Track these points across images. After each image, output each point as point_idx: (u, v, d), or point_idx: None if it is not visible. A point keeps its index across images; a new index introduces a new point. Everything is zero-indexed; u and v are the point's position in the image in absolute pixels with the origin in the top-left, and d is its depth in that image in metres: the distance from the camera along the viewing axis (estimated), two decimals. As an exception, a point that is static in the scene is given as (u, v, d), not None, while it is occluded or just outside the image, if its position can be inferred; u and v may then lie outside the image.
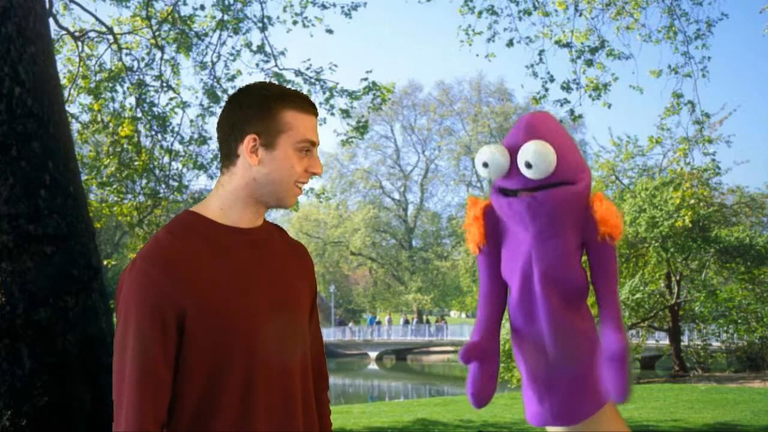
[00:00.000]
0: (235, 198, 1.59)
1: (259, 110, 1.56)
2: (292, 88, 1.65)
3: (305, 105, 1.60)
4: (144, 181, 10.78)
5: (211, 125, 10.90)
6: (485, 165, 2.12)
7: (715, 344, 19.96)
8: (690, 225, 16.19)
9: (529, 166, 2.04)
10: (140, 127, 10.36)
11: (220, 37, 10.26)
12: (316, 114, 1.62)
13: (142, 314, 1.47)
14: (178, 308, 1.48)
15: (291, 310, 1.63)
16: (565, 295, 2.13)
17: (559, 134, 2.13)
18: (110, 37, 10.18)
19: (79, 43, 10.14)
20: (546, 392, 2.18)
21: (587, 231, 2.09)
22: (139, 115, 10.33)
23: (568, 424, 2.18)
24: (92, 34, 10.42)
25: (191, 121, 10.76)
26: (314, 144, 1.60)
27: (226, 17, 10.11)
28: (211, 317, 1.50)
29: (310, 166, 1.60)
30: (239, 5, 10.24)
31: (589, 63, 9.77)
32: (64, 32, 10.11)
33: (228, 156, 1.59)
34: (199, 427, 1.50)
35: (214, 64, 10.34)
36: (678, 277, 19.16)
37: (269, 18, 10.20)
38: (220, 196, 1.60)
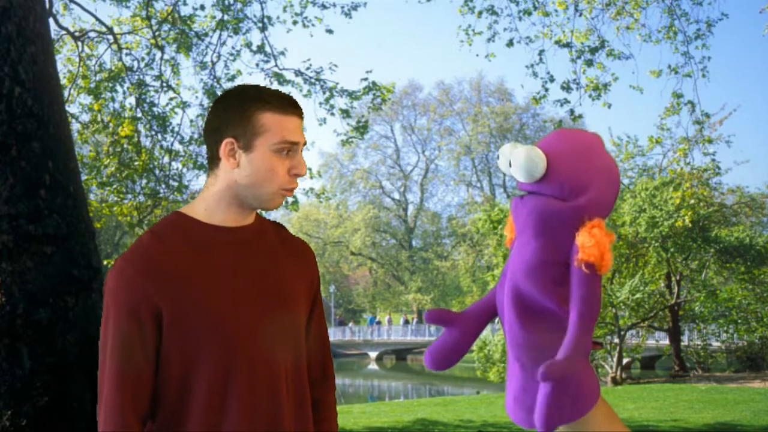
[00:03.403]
0: (218, 199, 1.60)
1: (236, 113, 1.56)
2: (273, 89, 1.62)
3: (284, 106, 1.58)
4: (144, 181, 10.78)
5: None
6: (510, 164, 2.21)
7: (715, 344, 19.97)
8: (690, 225, 16.19)
9: (510, 165, 2.11)
10: (140, 127, 10.35)
11: (220, 37, 10.26)
12: (298, 114, 1.60)
13: (120, 313, 1.49)
14: (154, 307, 1.49)
15: (282, 308, 1.61)
16: (527, 310, 2.13)
17: (576, 153, 2.12)
18: (110, 37, 10.18)
19: (79, 43, 10.14)
20: (509, 381, 2.21)
21: (571, 256, 2.07)
22: (139, 115, 10.32)
23: (549, 429, 2.19)
24: (92, 34, 10.41)
25: (191, 121, 10.76)
26: (295, 144, 1.58)
27: (226, 17, 10.10)
28: (186, 316, 1.51)
29: (292, 167, 1.58)
30: (239, 5, 10.24)
31: (589, 63, 9.76)
32: (64, 32, 10.10)
33: (212, 159, 1.60)
34: (174, 424, 1.52)
35: (214, 64, 10.34)
36: (678, 277, 19.16)
37: (269, 18, 10.20)
38: (205, 198, 1.61)
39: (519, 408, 2.21)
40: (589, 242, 2.01)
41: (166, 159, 10.51)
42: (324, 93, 10.32)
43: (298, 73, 10.23)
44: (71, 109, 9.98)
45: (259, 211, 1.69)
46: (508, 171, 2.18)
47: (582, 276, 2.04)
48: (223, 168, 1.58)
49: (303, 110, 1.63)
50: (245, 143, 1.56)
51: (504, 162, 2.18)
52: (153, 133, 10.47)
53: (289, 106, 1.58)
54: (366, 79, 10.49)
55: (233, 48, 10.52)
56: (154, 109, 10.38)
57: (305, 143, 1.62)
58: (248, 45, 10.30)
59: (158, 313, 1.50)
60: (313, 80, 10.25)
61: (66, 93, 9.63)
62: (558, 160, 2.10)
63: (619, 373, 17.83)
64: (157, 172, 10.50)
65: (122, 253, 1.56)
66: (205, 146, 1.65)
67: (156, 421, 1.53)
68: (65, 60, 10.51)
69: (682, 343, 19.83)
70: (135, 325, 1.49)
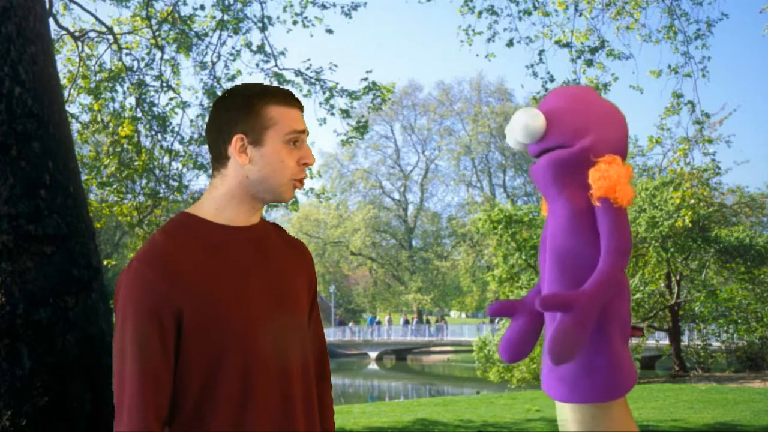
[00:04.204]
0: (230, 198, 1.60)
1: (243, 110, 1.58)
2: (274, 85, 1.66)
3: (288, 99, 1.61)
4: (144, 181, 10.77)
5: (211, 125, 10.91)
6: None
7: (715, 344, 19.95)
8: (690, 225, 16.18)
9: (515, 133, 2.17)
10: (140, 127, 10.35)
11: (220, 37, 10.26)
12: (300, 106, 1.64)
13: (139, 316, 1.48)
14: (175, 309, 1.49)
15: (289, 308, 1.62)
16: (567, 267, 2.12)
17: (571, 102, 2.19)
18: (110, 37, 10.18)
19: (79, 43, 10.14)
20: (545, 355, 2.21)
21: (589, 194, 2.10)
22: (139, 115, 10.32)
23: (553, 397, 2.20)
24: (92, 34, 10.41)
25: (191, 121, 10.77)
26: (303, 133, 1.61)
27: (226, 17, 10.10)
28: (207, 317, 1.50)
29: (301, 158, 1.61)
30: (239, 5, 10.24)
31: (589, 63, 9.76)
32: (64, 32, 10.10)
33: (218, 159, 1.61)
34: (197, 425, 1.51)
35: (214, 64, 10.34)
36: (678, 277, 19.17)
37: (269, 18, 10.20)
38: (214, 197, 1.61)
39: (553, 378, 2.19)
40: (597, 176, 2.02)
41: (166, 159, 10.51)
42: (324, 93, 10.32)
43: (298, 73, 10.23)
44: (71, 109, 9.98)
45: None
46: (517, 143, 2.23)
47: (600, 212, 2.04)
48: (232, 166, 1.59)
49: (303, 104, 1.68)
50: (255, 138, 1.57)
51: (510, 136, 2.23)
52: (153, 133, 10.47)
53: (292, 99, 1.63)
54: (366, 79, 10.49)
55: (233, 48, 10.53)
56: (154, 109, 10.38)
57: (308, 133, 1.65)
58: (248, 45, 10.30)
59: (179, 314, 1.49)
60: (313, 80, 10.25)
61: (66, 93, 9.62)
62: (555, 113, 2.16)
63: (619, 373, 17.80)
64: (157, 172, 10.50)
65: (136, 254, 1.54)
66: (207, 146, 1.65)
67: (174, 424, 1.52)
68: (65, 60, 10.51)
69: (682, 343, 19.82)
70: (155, 327, 1.48)
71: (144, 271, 1.50)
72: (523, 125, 2.15)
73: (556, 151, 2.15)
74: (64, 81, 9.60)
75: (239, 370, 1.52)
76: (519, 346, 2.29)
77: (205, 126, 11.29)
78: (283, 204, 1.74)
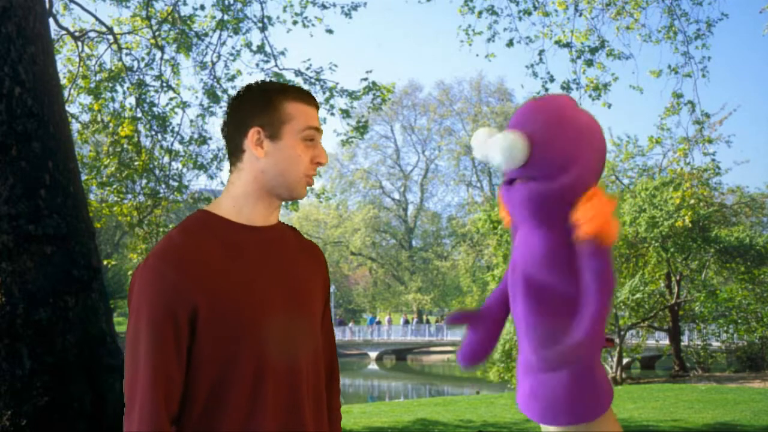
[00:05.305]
0: (246, 194, 1.61)
1: (261, 103, 1.59)
2: (291, 84, 1.68)
3: (305, 96, 1.63)
4: (144, 181, 10.77)
5: (211, 125, 10.95)
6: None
7: (715, 344, 19.96)
8: (690, 225, 16.19)
9: (494, 158, 2.06)
10: (140, 127, 10.36)
11: (220, 37, 10.28)
12: (316, 106, 1.65)
13: (155, 312, 1.47)
14: (190, 306, 1.48)
15: (302, 309, 1.62)
16: (544, 300, 2.05)
17: (552, 126, 2.04)
18: (110, 37, 10.18)
19: (79, 43, 10.14)
20: (523, 376, 2.18)
21: (573, 232, 1.96)
22: (139, 115, 10.33)
23: (533, 418, 2.17)
24: (92, 34, 10.42)
25: (191, 121, 10.77)
26: (318, 131, 1.63)
27: (226, 17, 10.11)
28: (222, 316, 1.50)
29: (315, 156, 1.62)
30: (239, 5, 10.25)
31: (589, 63, 9.76)
32: (64, 32, 10.11)
33: (234, 153, 1.62)
34: (208, 424, 1.51)
35: (214, 64, 10.34)
36: (678, 277, 19.16)
37: (269, 18, 10.22)
38: (232, 194, 1.62)
39: (534, 400, 2.16)
40: (589, 214, 1.92)
41: (166, 159, 10.52)
42: (324, 93, 10.32)
43: (298, 73, 10.23)
44: (71, 109, 9.98)
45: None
46: (485, 159, 2.15)
47: (588, 250, 1.92)
48: (248, 160, 1.60)
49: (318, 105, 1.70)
50: (272, 132, 1.59)
51: (480, 152, 2.12)
52: (153, 133, 10.48)
53: (309, 97, 1.65)
54: (366, 79, 10.50)
55: (233, 48, 10.56)
56: (154, 109, 10.39)
57: (322, 132, 1.66)
58: (248, 45, 10.31)
59: (194, 311, 1.48)
60: (313, 80, 10.26)
61: (66, 93, 9.63)
62: (537, 140, 2.00)
63: (619, 373, 17.83)
64: (157, 172, 10.50)
65: (152, 250, 1.53)
66: (224, 142, 1.66)
67: (185, 424, 1.51)
68: (65, 60, 10.52)
69: (682, 343, 19.83)
70: (170, 324, 1.47)
71: (161, 267, 1.49)
72: (506, 152, 2.02)
73: (537, 183, 2.01)
74: (64, 81, 9.60)
75: (251, 370, 1.51)
76: (478, 354, 2.32)
77: (204, 126, 11.25)
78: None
